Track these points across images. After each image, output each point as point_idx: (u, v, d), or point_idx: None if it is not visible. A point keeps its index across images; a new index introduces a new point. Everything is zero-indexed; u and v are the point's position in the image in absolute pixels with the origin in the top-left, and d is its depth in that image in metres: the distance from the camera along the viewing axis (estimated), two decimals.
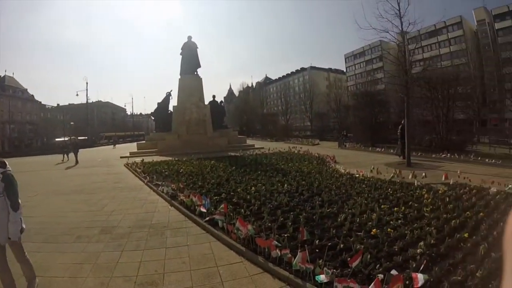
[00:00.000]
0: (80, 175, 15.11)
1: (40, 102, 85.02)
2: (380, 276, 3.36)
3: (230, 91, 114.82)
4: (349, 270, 3.59)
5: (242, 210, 6.33)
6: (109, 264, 4.57)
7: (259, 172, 11.49)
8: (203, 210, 6.37)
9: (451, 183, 8.88)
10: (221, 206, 6.14)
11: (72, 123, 74.82)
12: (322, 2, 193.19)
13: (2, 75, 73.25)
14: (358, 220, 5.48)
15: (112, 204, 8.35)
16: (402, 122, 17.30)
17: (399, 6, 14.14)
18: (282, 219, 5.64)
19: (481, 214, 5.80)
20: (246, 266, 4.36)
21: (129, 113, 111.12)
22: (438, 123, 23.10)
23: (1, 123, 66.30)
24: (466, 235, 4.68)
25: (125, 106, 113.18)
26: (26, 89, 79.79)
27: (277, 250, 4.13)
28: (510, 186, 8.27)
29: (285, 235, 4.76)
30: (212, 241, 5.37)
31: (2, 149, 59.40)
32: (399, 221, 5.47)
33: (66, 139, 53.12)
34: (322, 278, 3.45)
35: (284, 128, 57.21)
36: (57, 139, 58.49)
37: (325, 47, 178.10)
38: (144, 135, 68.07)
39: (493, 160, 15.68)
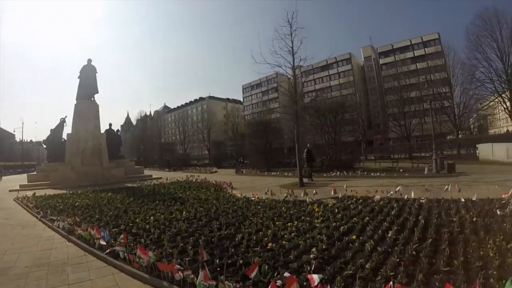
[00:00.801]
0: None
1: None
2: (279, 282, 3.75)
3: (128, 119, 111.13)
4: (249, 281, 3.92)
5: (142, 240, 6.34)
6: None
7: (157, 202, 11.49)
8: (103, 242, 6.21)
9: (339, 196, 10.08)
10: (121, 237, 6.06)
11: None
12: (222, 35, 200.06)
13: None
14: (254, 238, 5.90)
15: (5, 244, 7.71)
16: (308, 146, 19.13)
17: (292, 44, 15.80)
18: (182, 244, 5.80)
19: (367, 218, 6.97)
20: None
21: (18, 140, 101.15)
22: (328, 146, 25.42)
23: None
24: (354, 237, 5.55)
25: (14, 131, 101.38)
26: None
27: (180, 273, 4.28)
28: (391, 192, 9.93)
29: (187, 259, 4.96)
30: (116, 273, 5.27)
31: None
32: (293, 234, 6.02)
33: None
34: None
35: (182, 157, 56.99)
36: None
37: (224, 78, 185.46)
38: (35, 165, 62.23)
39: (378, 173, 18.78)
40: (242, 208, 9.21)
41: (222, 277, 4.05)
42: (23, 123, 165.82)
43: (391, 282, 3.33)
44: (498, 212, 6.77)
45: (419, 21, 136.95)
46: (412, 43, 68.75)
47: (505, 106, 39.77)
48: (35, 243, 7.61)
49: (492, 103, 44.96)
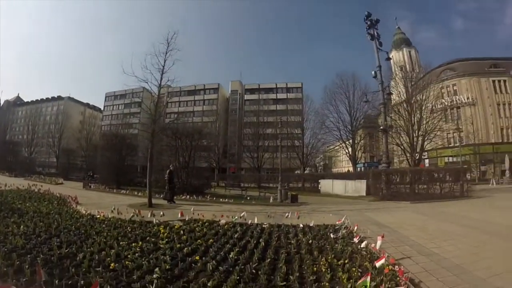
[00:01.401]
0: None
1: None
2: None
3: None
4: None
5: None
6: None
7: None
8: None
9: (186, 219, 10.15)
10: None
11: None
12: (96, 37, 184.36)
13: None
14: (97, 257, 5.60)
15: None
16: (171, 167, 18.79)
17: (164, 63, 15.91)
18: (18, 262, 5.18)
19: (211, 240, 7.19)
20: None
21: None
22: (181, 169, 25.40)
23: None
24: (197, 257, 5.69)
25: None
26: None
27: None
28: (236, 217, 10.57)
29: (23, 279, 4.50)
30: None
31: None
32: (137, 254, 5.91)
33: None
34: None
35: (26, 162, 51.11)
36: None
37: (86, 80, 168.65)
38: None
39: (226, 199, 19.63)
40: (86, 226, 8.63)
41: None
42: None
43: None
44: (332, 236, 7.88)
45: (287, 70, 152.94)
46: (277, 86, 77.01)
47: (347, 151, 49.42)
48: None
49: (337, 147, 54.23)
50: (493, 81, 52.71)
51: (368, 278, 4.22)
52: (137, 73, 15.99)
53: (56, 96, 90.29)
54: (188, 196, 20.22)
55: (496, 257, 6.24)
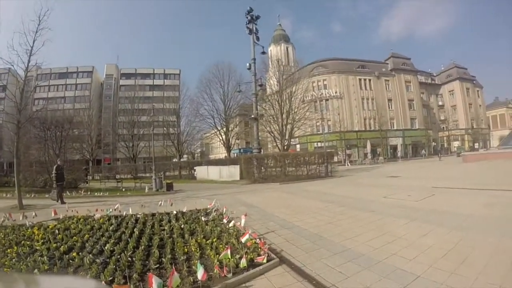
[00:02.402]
0: None
1: None
2: None
3: None
4: None
5: None
6: None
7: None
8: None
9: (60, 217, 9.97)
10: None
11: None
12: None
13: None
14: None
15: None
16: (58, 162, 16.92)
17: (33, 43, 14.09)
18: None
19: (87, 236, 7.29)
20: None
21: None
22: (51, 163, 23.39)
23: None
24: (74, 254, 5.80)
25: None
26: None
27: None
28: (111, 210, 10.44)
29: None
30: None
31: None
32: (14, 259, 5.72)
33: None
34: None
35: None
36: None
37: None
38: None
39: (101, 193, 19.35)
40: None
41: None
42: None
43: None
44: (203, 219, 8.60)
45: (165, 56, 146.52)
46: (155, 72, 75.21)
47: (221, 138, 50.55)
48: None
49: (213, 134, 55.26)
50: (359, 79, 62.12)
51: (229, 251, 5.01)
52: (2, 54, 14.01)
53: None
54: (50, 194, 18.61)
55: (348, 225, 7.61)
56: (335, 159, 46.10)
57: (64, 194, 17.11)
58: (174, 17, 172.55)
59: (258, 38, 25.20)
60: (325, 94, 60.34)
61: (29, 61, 14.36)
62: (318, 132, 54.99)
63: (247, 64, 25.35)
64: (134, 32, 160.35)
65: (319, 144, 53.38)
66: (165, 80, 72.58)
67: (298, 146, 58.30)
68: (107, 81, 75.30)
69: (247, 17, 24.74)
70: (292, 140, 41.82)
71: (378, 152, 56.89)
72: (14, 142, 15.39)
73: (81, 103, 62.65)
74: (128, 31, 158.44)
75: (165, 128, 51.44)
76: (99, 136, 61.38)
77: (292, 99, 38.80)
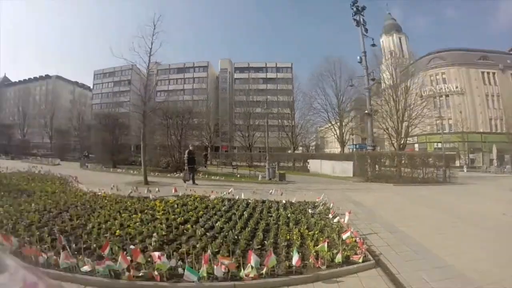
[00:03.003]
0: None
1: None
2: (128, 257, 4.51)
3: None
4: (104, 259, 4.54)
5: None
6: None
7: (1, 193, 10.54)
8: None
9: (180, 194, 11.11)
10: None
11: None
12: (76, 9, 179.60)
13: None
14: (104, 227, 6.51)
15: None
16: (190, 148, 18.11)
17: (151, 46, 16.32)
18: (38, 233, 5.97)
19: (200, 212, 8.14)
20: None
21: None
22: (173, 148, 26.13)
23: None
24: (189, 226, 6.66)
25: None
26: None
27: (43, 255, 4.76)
28: (224, 193, 11.58)
29: (45, 246, 5.32)
30: None
31: None
32: (137, 223, 6.80)
33: None
34: (86, 268, 4.43)
35: (22, 144, 51.25)
36: None
37: (75, 57, 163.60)
38: None
39: (218, 177, 20.66)
40: (90, 202, 9.49)
41: (80, 257, 4.72)
42: None
43: (210, 253, 4.70)
44: (310, 211, 8.88)
45: (276, 49, 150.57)
46: (267, 65, 76.52)
47: (335, 132, 49.69)
48: None
49: (327, 129, 54.65)
50: (482, 73, 53.92)
51: (325, 244, 5.12)
52: (125, 56, 16.26)
53: (43, 75, 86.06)
54: (180, 174, 20.17)
55: (455, 240, 6.73)
56: (457, 163, 42.04)
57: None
58: (282, 10, 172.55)
59: (366, 30, 24.19)
60: (444, 89, 54.16)
61: (149, 61, 16.64)
62: (438, 132, 49.46)
63: (358, 58, 24.50)
64: (246, 29, 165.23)
65: (439, 145, 48.09)
66: (277, 74, 73.78)
67: (416, 145, 53.13)
68: (222, 75, 79.93)
69: (352, 9, 23.98)
70: (410, 138, 39.12)
71: (505, 159, 47.23)
72: (141, 129, 17.64)
73: (199, 95, 67.65)
74: (240, 29, 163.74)
75: (279, 120, 52.95)
76: (217, 125, 65.04)
77: (408, 94, 36.18)
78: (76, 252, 5.09)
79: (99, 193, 11.37)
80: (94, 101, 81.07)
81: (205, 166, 29.48)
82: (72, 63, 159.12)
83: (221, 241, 5.70)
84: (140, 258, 4.41)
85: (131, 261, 4.43)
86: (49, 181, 15.16)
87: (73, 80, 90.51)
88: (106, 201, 9.61)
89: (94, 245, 5.43)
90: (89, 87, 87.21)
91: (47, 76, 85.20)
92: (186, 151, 17.78)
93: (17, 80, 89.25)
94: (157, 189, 12.57)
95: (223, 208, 8.87)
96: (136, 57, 16.47)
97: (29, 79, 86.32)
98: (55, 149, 52.91)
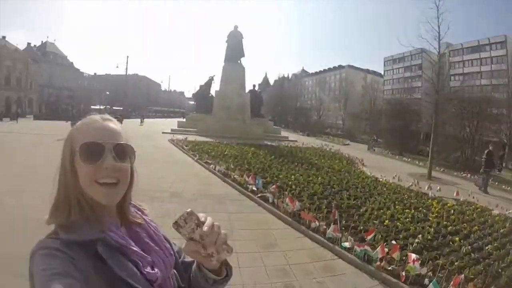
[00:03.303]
0: None
1: (79, 70, 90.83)
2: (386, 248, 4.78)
3: (265, 79, 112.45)
4: (364, 242, 5.04)
5: (286, 192, 7.63)
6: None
7: (296, 163, 12.81)
8: (255, 188, 8.05)
9: (460, 199, 9.95)
10: (273, 186, 7.79)
11: (107, 92, 78.53)
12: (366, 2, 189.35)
13: (44, 41, 79.36)
14: (375, 213, 6.85)
15: (171, 175, 10.03)
16: (490, 147, 14.75)
17: (439, 29, 14.86)
18: (318, 203, 7.06)
19: (475, 227, 6.88)
20: (291, 231, 5.97)
21: (163, 89, 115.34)
22: (465, 142, 23.54)
23: (40, 87, 71.10)
24: (457, 238, 5.94)
25: (161, 82, 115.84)
26: (66, 56, 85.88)
27: (316, 222, 5.72)
28: (510, 211, 8.99)
29: (320, 215, 6.28)
30: (264, 213, 6.98)
31: (39, 111, 62.93)
32: (407, 219, 6.72)
33: (101, 107, 55.32)
34: (346, 244, 5.01)
35: (316, 124, 57.68)
36: (92, 107, 61.57)
37: (364, 46, 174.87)
38: (184, 112, 69.31)
39: (509, 188, 15.18)
40: (370, 186, 9.97)
41: (346, 234, 5.38)
42: (169, 76, 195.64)
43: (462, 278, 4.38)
44: None
45: None
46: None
47: None
48: (196, 178, 9.90)
49: None
50: None
51: None
52: (413, 44, 15.42)
53: (337, 66, 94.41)
54: (469, 175, 17.60)
55: None
56: None
57: (471, 177, 16.66)
58: None
59: None
60: None
61: (439, 46, 15.21)
62: None
63: None
64: None
65: None
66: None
67: None
68: None
69: None
70: None
71: None
72: (432, 117, 16.82)
73: (498, 78, 55.38)
74: None
75: None
76: None
77: None
78: (343, 228, 5.77)
79: (380, 179, 11.78)
80: (386, 87, 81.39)
81: (499, 170, 24.15)
82: (361, 52, 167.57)
83: (482, 269, 4.85)
84: (396, 255, 4.53)
85: (387, 253, 4.65)
86: (337, 159, 16.46)
87: (365, 68, 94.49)
88: (384, 189, 9.88)
89: (361, 227, 5.95)
90: (380, 73, 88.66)
91: (340, 66, 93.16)
92: (485, 151, 14.45)
93: (314, 72, 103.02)
94: (438, 187, 11.75)
95: (502, 230, 7.05)
96: (424, 43, 15.71)
97: (324, 70, 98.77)
98: (346, 130, 58.09)
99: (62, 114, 53.01)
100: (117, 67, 73.83)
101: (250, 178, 8.66)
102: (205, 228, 0.83)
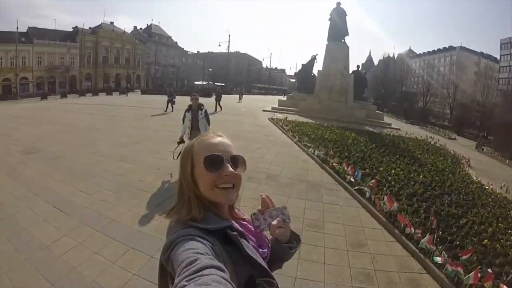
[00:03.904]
0: (230, 121, 17.75)
1: (182, 48, 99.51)
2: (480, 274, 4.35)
3: (369, 58, 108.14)
4: (459, 261, 4.67)
5: (384, 188, 7.45)
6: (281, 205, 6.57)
7: (397, 156, 12.08)
8: (353, 180, 8.01)
9: None
10: (372, 181, 7.66)
11: (210, 69, 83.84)
12: None
13: (149, 24, 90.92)
14: (475, 228, 6.14)
15: (270, 155, 10.47)
16: None
17: None
18: (416, 206, 6.71)
19: None
20: (384, 234, 5.85)
21: (264, 66, 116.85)
22: None
23: (147, 64, 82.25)
24: None
25: (263, 59, 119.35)
26: (170, 36, 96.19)
27: (411, 229, 5.53)
28: None
29: (417, 220, 6.04)
30: (359, 207, 6.96)
31: (146, 86, 72.68)
32: (508, 242, 5.82)
33: (204, 83, 59.01)
34: (438, 259, 4.75)
35: (421, 112, 54.52)
36: (196, 83, 66.38)
37: (478, 26, 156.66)
38: (286, 91, 70.42)
39: None
40: (474, 194, 8.83)
41: (440, 247, 5.11)
42: (271, 54, 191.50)
43: None
44: None
45: None
46: None
47: None
48: (294, 161, 10.15)
49: None
50: None
51: None
52: None
53: (447, 47, 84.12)
54: None
55: None
56: None
57: None
58: None
59: None
60: None
61: None
62: None
63: None
64: None
65: None
66: None
67: None
68: None
69: None
70: None
71: None
72: None
73: None
74: None
75: None
76: None
77: None
78: (438, 240, 5.42)
79: (486, 187, 10.40)
80: (501, 75, 69.99)
81: None
82: (477, 33, 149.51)
83: None
84: (488, 285, 4.22)
85: (479, 280, 4.30)
86: (442, 156, 14.95)
87: (479, 50, 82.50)
88: (489, 200, 8.65)
89: (457, 242, 5.47)
90: (496, 58, 76.38)
91: (451, 48, 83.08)
92: None
93: (421, 52, 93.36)
94: None
95: None
96: None
97: (433, 50, 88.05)
98: (454, 121, 52.89)
99: (166, 89, 59.92)
100: (219, 45, 77.85)
101: (349, 168, 8.62)
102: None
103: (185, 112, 7.76)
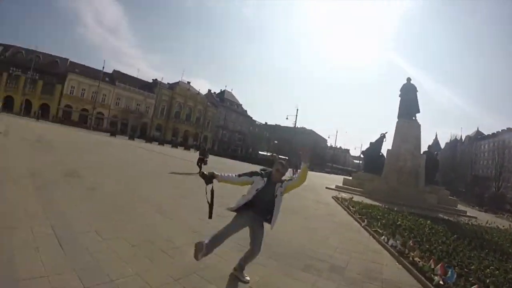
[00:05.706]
0: (290, 194, 16.39)
1: (251, 117, 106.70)
2: None
3: (436, 141, 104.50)
4: None
5: None
6: None
7: (486, 250, 9.35)
8: (442, 282, 5.93)
9: None
10: (474, 286, 5.61)
11: (276, 141, 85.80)
12: None
13: (222, 89, 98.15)
14: None
15: (334, 238, 8.61)
16: None
17: None
18: None
19: None
20: None
21: (328, 145, 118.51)
22: None
23: (216, 127, 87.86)
24: None
25: (328, 137, 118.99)
26: (241, 104, 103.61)
27: None
28: None
29: None
30: None
31: (212, 147, 75.61)
32: None
33: (268, 153, 59.86)
34: None
35: (496, 197, 49.43)
36: (260, 152, 67.42)
37: None
38: (350, 171, 69.23)
39: None
40: None
41: None
42: (336, 132, 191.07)
43: None
44: None
45: None
46: None
47: None
48: (363, 250, 7.98)
49: None
50: None
51: None
52: None
53: None
54: None
55: None
56: None
57: None
58: None
59: None
60: None
61: None
62: None
63: None
64: None
65: None
66: None
67: None
68: None
69: None
70: None
71: None
72: None
73: None
74: None
75: None
76: None
77: None
78: None
79: None
80: None
81: None
82: None
83: None
84: None
85: None
86: None
87: None
88: None
89: None
90: None
91: None
92: None
93: (491, 133, 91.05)
94: None
95: None
96: None
97: (503, 130, 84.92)
98: None
99: (231, 153, 60.72)
100: (287, 118, 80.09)
101: (439, 266, 6.49)
102: None
103: (254, 175, 4.80)
